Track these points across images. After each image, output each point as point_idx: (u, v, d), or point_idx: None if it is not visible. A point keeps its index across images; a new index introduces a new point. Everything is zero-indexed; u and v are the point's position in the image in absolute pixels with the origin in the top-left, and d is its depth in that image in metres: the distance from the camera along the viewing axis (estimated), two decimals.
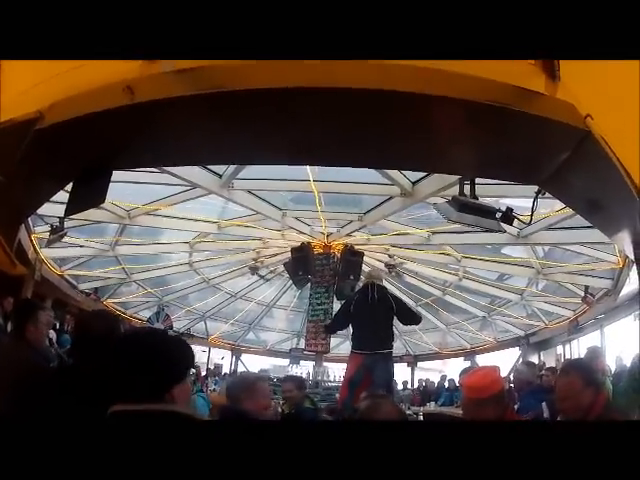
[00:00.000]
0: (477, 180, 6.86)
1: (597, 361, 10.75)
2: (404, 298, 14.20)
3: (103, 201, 5.97)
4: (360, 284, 14.35)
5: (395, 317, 10.44)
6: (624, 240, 5.43)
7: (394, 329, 10.60)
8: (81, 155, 5.28)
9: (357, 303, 10.48)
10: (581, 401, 4.17)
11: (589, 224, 8.32)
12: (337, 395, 14.76)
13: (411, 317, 10.98)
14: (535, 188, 6.10)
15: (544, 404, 9.10)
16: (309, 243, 16.65)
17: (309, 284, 17.89)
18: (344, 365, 14.29)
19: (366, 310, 10.24)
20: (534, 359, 19.37)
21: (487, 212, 6.77)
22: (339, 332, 21.28)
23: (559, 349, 21.14)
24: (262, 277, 20.68)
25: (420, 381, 23.78)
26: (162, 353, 2.42)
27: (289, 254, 17.16)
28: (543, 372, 11.78)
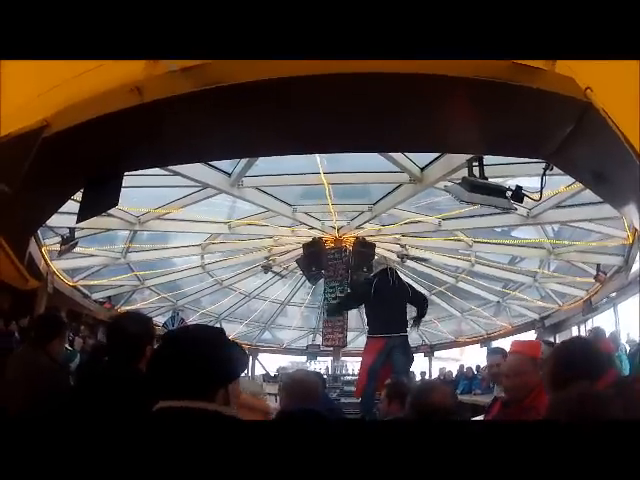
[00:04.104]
0: (484, 162, 6.94)
1: (601, 343, 10.86)
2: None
3: (116, 204, 5.98)
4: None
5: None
6: (631, 212, 5.46)
7: None
8: (90, 160, 5.31)
9: (378, 285, 10.36)
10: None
11: (597, 200, 8.36)
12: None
13: (423, 304, 10.84)
14: (541, 166, 6.16)
15: None
16: (320, 238, 16.66)
17: (322, 279, 17.86)
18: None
19: (388, 293, 10.23)
20: (551, 340, 19.39)
21: (497, 191, 6.87)
22: (354, 326, 21.36)
23: (574, 330, 21.16)
24: (277, 273, 20.67)
25: (441, 370, 23.85)
26: (219, 351, 2.37)
27: (301, 250, 17.21)
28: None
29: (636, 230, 11.80)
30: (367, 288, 10.62)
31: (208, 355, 2.31)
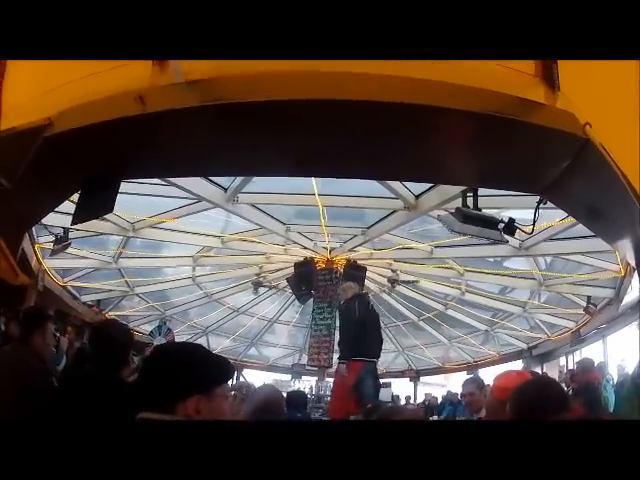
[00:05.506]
0: (479, 192, 6.96)
1: (589, 374, 10.87)
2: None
3: (111, 210, 5.98)
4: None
5: None
6: (625, 247, 5.47)
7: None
8: (89, 164, 5.32)
9: (369, 309, 10.20)
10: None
11: (590, 234, 8.38)
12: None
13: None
14: (536, 199, 6.17)
15: None
16: (312, 258, 16.65)
17: (312, 299, 17.86)
18: None
19: (375, 317, 10.27)
20: (537, 371, 19.38)
21: (490, 223, 6.87)
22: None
23: (562, 360, 21.27)
24: (269, 287, 20.60)
25: (427, 395, 23.82)
26: (176, 364, 2.39)
27: (292, 269, 17.15)
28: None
29: (629, 264, 11.82)
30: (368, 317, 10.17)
31: (167, 369, 2.38)
